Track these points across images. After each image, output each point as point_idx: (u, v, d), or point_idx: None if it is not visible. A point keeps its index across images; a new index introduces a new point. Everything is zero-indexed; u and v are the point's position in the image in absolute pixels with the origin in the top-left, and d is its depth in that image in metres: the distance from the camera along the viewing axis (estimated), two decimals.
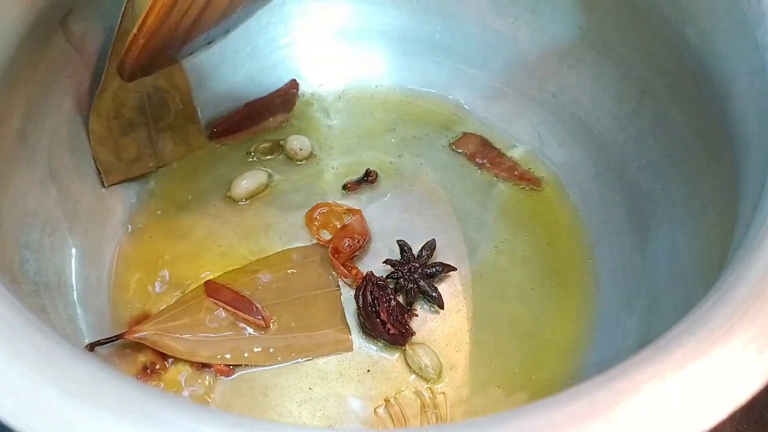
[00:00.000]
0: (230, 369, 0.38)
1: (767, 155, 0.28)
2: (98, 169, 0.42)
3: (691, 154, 0.39)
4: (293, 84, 0.50)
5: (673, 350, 0.20)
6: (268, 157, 0.47)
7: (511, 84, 0.49)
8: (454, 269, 0.41)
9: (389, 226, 0.44)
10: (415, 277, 0.40)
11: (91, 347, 0.37)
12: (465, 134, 0.49)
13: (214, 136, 0.47)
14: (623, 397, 0.19)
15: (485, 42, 0.49)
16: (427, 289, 0.40)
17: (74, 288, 0.39)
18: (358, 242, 0.41)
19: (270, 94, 0.49)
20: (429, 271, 0.41)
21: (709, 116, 0.36)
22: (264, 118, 0.48)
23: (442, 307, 0.40)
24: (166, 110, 0.44)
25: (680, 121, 0.40)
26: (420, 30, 0.50)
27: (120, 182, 0.43)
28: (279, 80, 0.50)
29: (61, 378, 0.18)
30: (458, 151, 0.48)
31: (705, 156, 0.37)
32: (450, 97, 0.50)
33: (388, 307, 0.38)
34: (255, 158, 0.47)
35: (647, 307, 0.40)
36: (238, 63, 0.49)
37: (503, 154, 0.48)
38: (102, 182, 0.42)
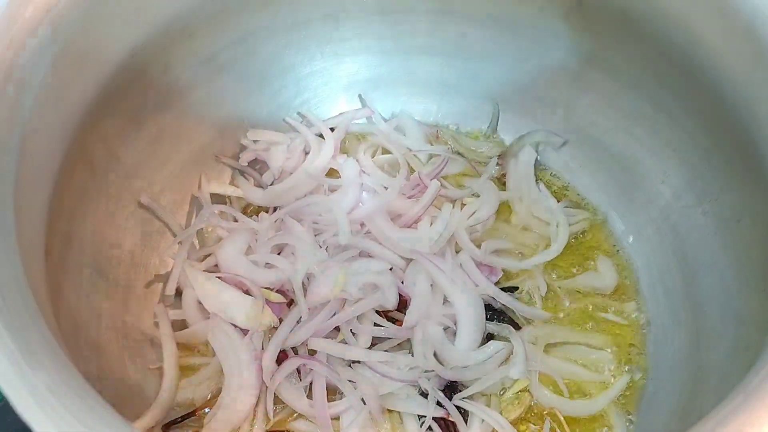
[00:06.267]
0: None
1: None
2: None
3: (714, 164, 0.39)
4: None
5: None
6: None
7: (525, 111, 0.50)
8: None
9: None
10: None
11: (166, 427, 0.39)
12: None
13: None
14: None
15: (494, 75, 0.50)
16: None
17: None
18: None
19: None
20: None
21: (726, 126, 0.37)
22: None
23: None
24: None
25: (697, 132, 0.40)
26: (429, 71, 0.51)
27: None
28: None
29: None
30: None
31: (728, 165, 0.38)
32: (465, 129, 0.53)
33: None
34: None
35: (692, 314, 0.41)
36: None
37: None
38: None
